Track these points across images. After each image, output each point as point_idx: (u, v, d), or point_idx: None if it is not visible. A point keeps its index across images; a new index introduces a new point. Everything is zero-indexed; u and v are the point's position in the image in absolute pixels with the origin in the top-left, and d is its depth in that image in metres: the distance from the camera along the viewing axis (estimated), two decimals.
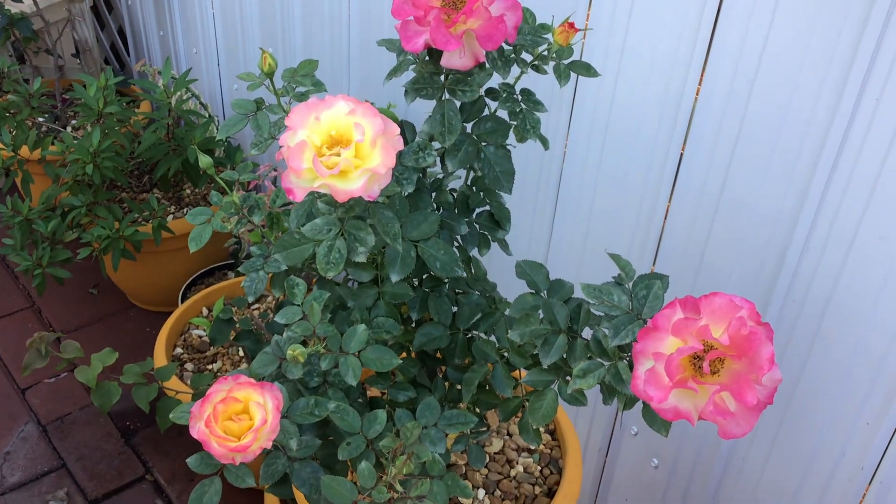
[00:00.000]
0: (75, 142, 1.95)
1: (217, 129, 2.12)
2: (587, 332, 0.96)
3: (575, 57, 1.03)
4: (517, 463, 1.32)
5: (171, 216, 2.26)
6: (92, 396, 1.58)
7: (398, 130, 0.82)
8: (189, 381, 1.83)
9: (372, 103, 0.84)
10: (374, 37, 1.79)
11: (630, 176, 1.39)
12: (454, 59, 0.92)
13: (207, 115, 2.12)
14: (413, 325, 1.10)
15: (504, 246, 1.15)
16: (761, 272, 1.26)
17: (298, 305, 1.00)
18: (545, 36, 1.05)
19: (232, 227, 1.10)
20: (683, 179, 1.32)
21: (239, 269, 1.11)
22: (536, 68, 1.05)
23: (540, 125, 1.05)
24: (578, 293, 1.01)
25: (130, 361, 2.26)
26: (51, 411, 2.14)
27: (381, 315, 1.03)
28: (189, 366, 1.95)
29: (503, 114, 1.04)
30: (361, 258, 0.93)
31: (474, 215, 1.11)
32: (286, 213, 1.13)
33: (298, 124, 0.81)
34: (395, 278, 0.96)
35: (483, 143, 1.01)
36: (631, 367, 0.87)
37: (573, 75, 1.12)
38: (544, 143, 1.06)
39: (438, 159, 1.03)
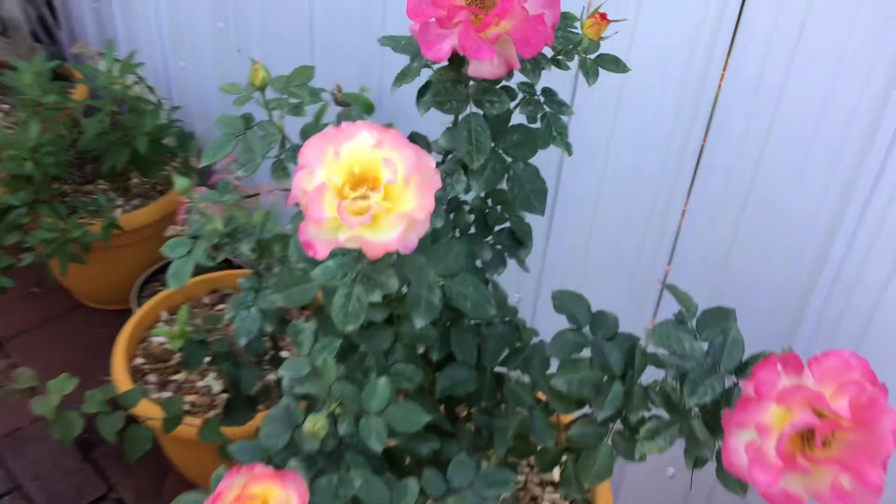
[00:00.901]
0: (10, 133, 1.75)
1: (167, 114, 1.93)
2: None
3: None
4: (542, 500, 1.20)
5: (119, 210, 2.07)
6: (52, 430, 1.42)
7: (433, 164, 0.68)
8: (160, 402, 1.68)
9: (369, 98, 0.69)
10: (340, 13, 1.62)
11: (643, 169, 1.27)
12: (484, 68, 0.77)
13: (156, 101, 1.93)
14: (428, 361, 0.96)
15: (522, 262, 1.02)
16: (794, 278, 1.15)
17: (306, 356, 0.86)
18: (573, 29, 0.91)
19: (217, 259, 0.95)
20: (704, 174, 1.20)
21: (227, 309, 0.96)
22: (558, 63, 0.91)
23: (567, 131, 0.91)
24: (630, 325, 0.89)
25: (83, 368, 2.09)
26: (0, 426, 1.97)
27: (399, 360, 0.89)
28: (152, 377, 1.79)
29: (519, 118, 0.90)
30: (376, 298, 0.79)
31: (493, 234, 0.98)
32: (278, 239, 0.98)
33: (314, 161, 0.67)
34: (419, 323, 0.82)
35: (510, 160, 0.87)
36: (708, 426, 0.75)
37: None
38: (569, 149, 0.92)
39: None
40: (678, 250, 1.28)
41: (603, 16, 0.88)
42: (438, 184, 0.68)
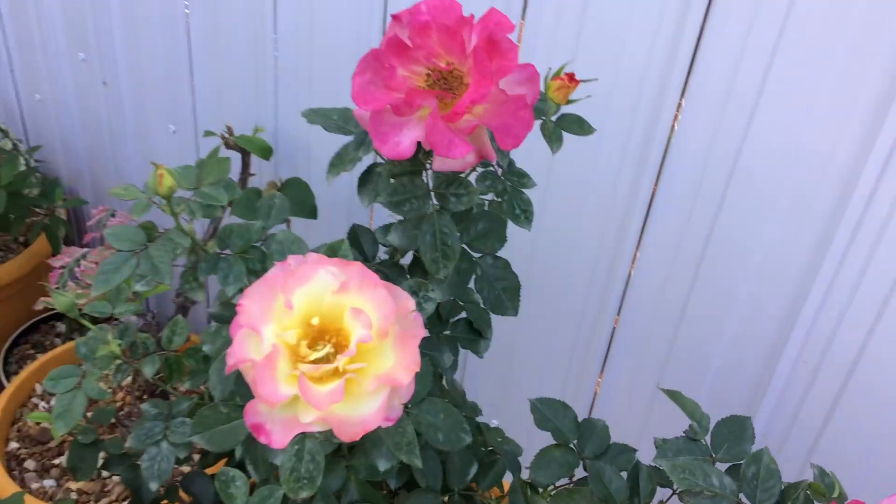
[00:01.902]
0: None
1: (24, 159, 1.69)
2: None
3: None
4: None
5: None
6: None
7: (412, 305, 0.53)
8: (43, 492, 1.47)
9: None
10: (223, 29, 1.43)
11: (584, 216, 1.15)
12: (453, 163, 0.63)
13: (11, 145, 1.69)
14: (384, 488, 0.82)
15: (479, 354, 0.88)
16: (765, 329, 1.05)
17: None
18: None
19: (113, 386, 0.77)
20: (657, 217, 1.09)
21: (128, 442, 0.78)
22: None
23: (532, 207, 0.78)
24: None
25: None
26: None
27: (354, 500, 0.74)
28: (30, 463, 1.57)
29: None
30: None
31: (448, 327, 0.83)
32: (189, 354, 0.80)
33: (259, 317, 0.50)
34: (383, 466, 0.68)
35: (477, 255, 0.73)
36: None
37: None
38: (530, 226, 0.79)
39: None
40: (627, 300, 1.17)
41: (571, 76, 0.75)
42: (422, 330, 0.53)
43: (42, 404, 1.65)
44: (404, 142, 0.60)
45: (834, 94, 0.90)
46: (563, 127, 0.78)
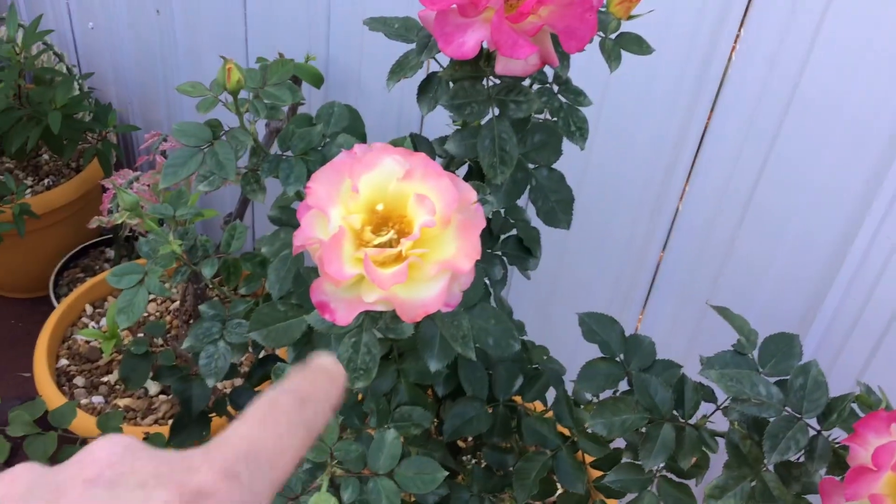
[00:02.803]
0: None
1: (78, 84, 1.72)
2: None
3: None
4: None
5: (29, 192, 1.86)
6: None
7: (475, 196, 0.54)
8: (93, 412, 1.51)
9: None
10: None
11: (637, 144, 1.15)
12: (516, 66, 0.63)
13: (66, 70, 1.72)
14: (433, 396, 0.84)
15: (527, 273, 0.89)
16: (810, 263, 1.05)
17: None
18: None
19: (172, 284, 0.79)
20: (710, 148, 1.08)
21: (185, 343, 0.81)
22: None
23: (587, 125, 0.78)
24: (669, 353, 0.78)
25: (0, 366, 1.90)
26: None
27: (403, 402, 0.76)
28: (79, 380, 1.61)
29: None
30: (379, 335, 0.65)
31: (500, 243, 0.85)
32: (246, 258, 0.82)
33: (327, 199, 0.52)
34: (434, 366, 0.69)
35: (532, 166, 0.74)
36: (783, 479, 0.64)
37: None
38: (584, 144, 0.80)
39: None
40: (674, 234, 1.17)
41: None
42: (482, 221, 0.54)
43: (91, 324, 1.69)
44: (469, 42, 0.61)
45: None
46: (623, 45, 0.78)
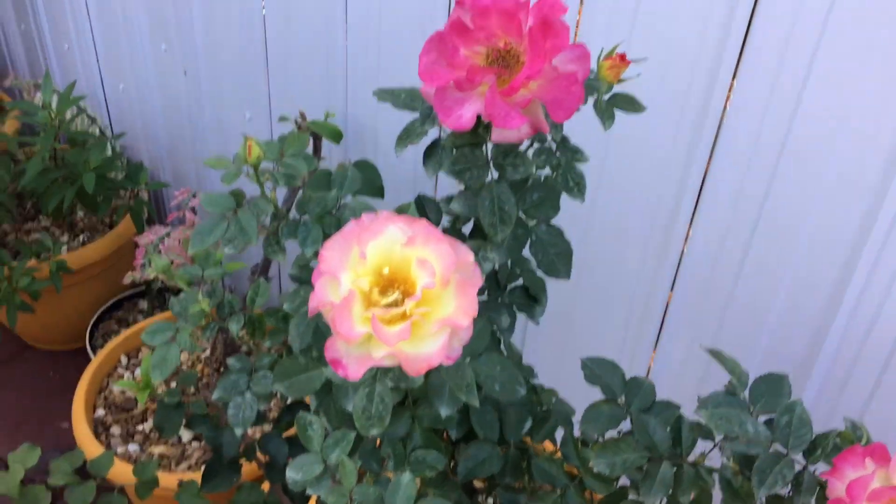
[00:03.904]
0: None
1: (111, 145, 1.81)
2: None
3: None
4: None
5: (65, 248, 1.94)
6: None
7: (472, 257, 0.60)
8: (130, 461, 1.57)
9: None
10: (297, 20, 1.51)
11: (641, 194, 1.20)
12: (510, 134, 0.69)
13: (98, 132, 1.80)
14: (445, 438, 0.88)
15: (535, 319, 0.94)
16: (809, 304, 1.09)
17: (316, 453, 0.77)
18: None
19: (203, 339, 0.85)
20: (709, 197, 1.13)
21: (215, 394, 0.86)
22: None
23: (585, 181, 0.84)
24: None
25: (38, 416, 1.97)
26: None
27: (418, 446, 0.81)
28: (115, 429, 1.68)
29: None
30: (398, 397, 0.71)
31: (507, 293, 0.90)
32: (270, 314, 0.88)
33: (337, 265, 0.58)
34: (445, 412, 0.74)
35: (532, 222, 0.79)
36: None
37: None
38: (583, 198, 0.85)
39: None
40: (680, 277, 1.22)
41: (622, 57, 0.80)
42: (479, 280, 0.59)
43: (126, 374, 1.76)
44: (466, 115, 0.67)
45: (880, 71, 0.93)
46: (616, 105, 0.84)
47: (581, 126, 0.84)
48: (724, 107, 1.08)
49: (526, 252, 0.84)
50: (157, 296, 1.97)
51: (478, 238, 0.80)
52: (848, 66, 0.95)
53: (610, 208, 1.23)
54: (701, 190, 1.13)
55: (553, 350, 1.43)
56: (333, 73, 1.50)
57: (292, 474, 0.77)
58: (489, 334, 0.75)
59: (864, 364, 1.07)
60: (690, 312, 1.24)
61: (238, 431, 0.86)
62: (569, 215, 1.18)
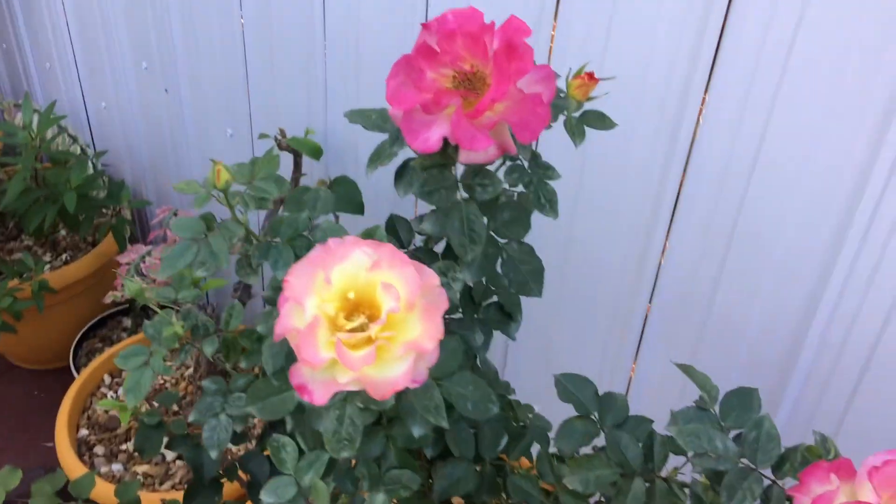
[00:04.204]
0: None
1: (92, 163, 1.81)
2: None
3: None
4: None
5: (47, 267, 1.94)
6: None
7: (437, 281, 0.60)
8: (112, 480, 1.56)
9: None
10: (277, 38, 1.52)
11: (619, 208, 1.20)
12: (477, 156, 0.69)
13: (80, 150, 1.80)
14: (421, 457, 0.89)
15: (511, 336, 0.94)
16: (785, 316, 1.10)
17: (289, 475, 0.77)
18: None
19: (175, 364, 0.85)
20: (685, 211, 1.14)
21: (191, 416, 0.86)
22: None
23: (556, 197, 0.84)
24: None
25: (22, 436, 1.96)
26: None
27: (393, 466, 0.81)
28: (99, 449, 1.67)
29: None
30: (369, 419, 0.71)
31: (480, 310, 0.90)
32: (245, 336, 0.88)
33: (302, 291, 0.58)
34: (417, 432, 0.75)
35: (502, 241, 0.80)
36: None
37: None
38: (556, 215, 0.85)
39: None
40: (658, 289, 1.23)
41: (591, 75, 0.81)
42: (445, 303, 0.60)
43: (110, 394, 1.76)
44: (433, 137, 0.67)
45: (852, 85, 0.94)
46: (587, 122, 0.84)
47: (557, 144, 0.84)
48: (697, 121, 1.09)
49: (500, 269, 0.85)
50: (141, 312, 1.97)
51: (450, 257, 0.80)
52: (819, 80, 0.96)
53: (588, 222, 1.23)
54: (676, 203, 1.14)
55: (534, 364, 1.44)
56: (313, 91, 1.50)
57: (266, 497, 0.77)
58: (461, 353, 0.76)
59: (841, 374, 1.08)
60: (669, 324, 1.24)
61: (213, 454, 0.87)
62: (548, 230, 1.19)
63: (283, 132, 1.48)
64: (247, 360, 0.89)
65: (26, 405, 2.05)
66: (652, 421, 0.81)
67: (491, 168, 0.81)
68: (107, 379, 1.77)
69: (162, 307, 0.91)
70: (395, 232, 0.83)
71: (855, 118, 0.95)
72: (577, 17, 1.12)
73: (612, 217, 1.21)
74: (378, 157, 0.77)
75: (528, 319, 1.34)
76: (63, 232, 2.01)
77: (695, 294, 1.18)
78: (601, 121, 0.85)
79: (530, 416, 0.94)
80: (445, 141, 0.72)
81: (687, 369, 0.78)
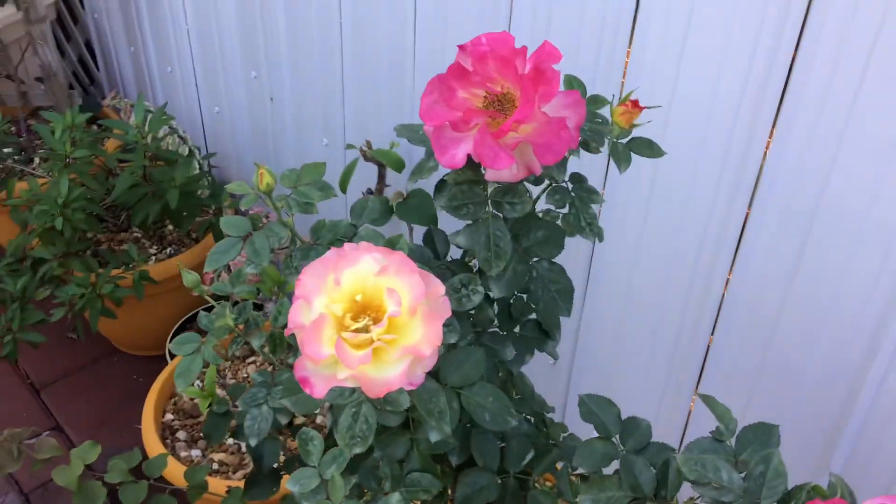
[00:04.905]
0: (42, 187, 1.74)
1: (199, 164, 1.91)
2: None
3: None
4: None
5: (153, 259, 2.05)
6: (73, 500, 1.40)
7: (443, 290, 0.63)
8: (189, 460, 1.65)
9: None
10: (370, 57, 1.58)
11: (680, 249, 1.20)
12: (502, 175, 0.72)
13: (188, 151, 1.91)
14: (445, 462, 0.91)
15: (551, 353, 0.96)
16: (847, 361, 1.07)
17: (314, 467, 0.81)
18: (600, 112, 0.86)
19: (229, 354, 0.91)
20: (746, 249, 1.13)
21: (238, 402, 0.92)
22: (587, 147, 0.85)
23: (597, 220, 0.86)
24: (668, 410, 0.83)
25: (119, 416, 2.08)
26: (32, 478, 1.95)
27: (415, 468, 0.84)
28: (181, 434, 1.76)
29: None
30: (392, 421, 0.74)
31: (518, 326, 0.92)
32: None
33: (313, 291, 0.62)
34: (434, 438, 0.77)
35: (534, 259, 0.82)
36: None
37: None
38: (600, 237, 0.87)
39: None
40: (721, 320, 1.22)
41: (635, 103, 0.82)
42: (448, 312, 0.62)
43: (197, 382, 1.84)
44: (459, 154, 0.70)
45: None
46: (633, 149, 0.86)
47: (627, 175, 0.86)
48: (763, 158, 1.08)
49: None
50: (234, 307, 2.06)
51: (483, 272, 0.83)
52: (886, 119, 0.94)
53: (656, 244, 1.24)
54: (742, 234, 1.13)
55: (599, 384, 1.44)
56: (400, 106, 1.56)
57: (292, 486, 0.81)
58: (483, 365, 0.78)
59: None
60: (731, 356, 1.23)
61: (252, 442, 0.91)
62: (614, 259, 1.20)
63: (369, 144, 1.53)
64: (293, 356, 0.94)
65: (125, 387, 2.17)
66: (674, 449, 0.81)
67: (536, 189, 0.83)
68: None
69: (251, 302, 0.97)
70: (433, 243, 0.86)
71: None
72: (651, 43, 1.13)
73: (678, 246, 1.21)
74: (419, 171, 0.81)
75: (591, 353, 1.36)
76: (170, 227, 2.12)
77: (757, 325, 1.17)
78: (649, 148, 0.86)
79: (564, 435, 0.95)
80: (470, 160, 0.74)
81: (707, 399, 0.78)
